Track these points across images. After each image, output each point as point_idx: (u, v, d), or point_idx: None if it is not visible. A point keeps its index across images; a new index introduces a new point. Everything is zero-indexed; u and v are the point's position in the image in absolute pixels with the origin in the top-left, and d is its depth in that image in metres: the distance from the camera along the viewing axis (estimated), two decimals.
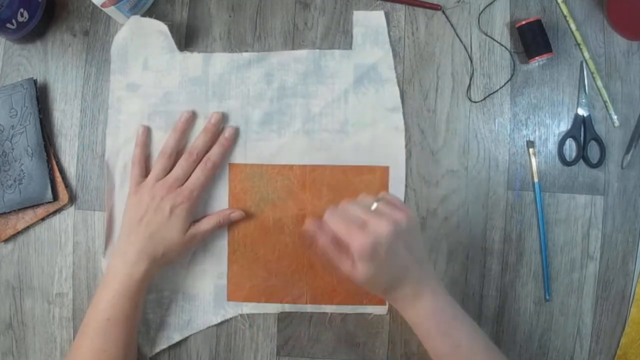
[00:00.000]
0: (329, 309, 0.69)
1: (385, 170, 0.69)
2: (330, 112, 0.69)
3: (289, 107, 0.69)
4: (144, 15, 0.71)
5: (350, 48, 0.70)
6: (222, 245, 0.69)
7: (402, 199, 0.69)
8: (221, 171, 0.69)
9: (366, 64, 0.69)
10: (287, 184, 0.69)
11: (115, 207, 0.69)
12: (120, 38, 0.70)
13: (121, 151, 0.69)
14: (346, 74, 0.69)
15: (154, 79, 0.70)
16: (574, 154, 0.70)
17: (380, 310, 0.68)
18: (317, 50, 0.70)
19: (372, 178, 0.68)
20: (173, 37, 0.69)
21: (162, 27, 0.69)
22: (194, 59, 0.70)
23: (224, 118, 0.69)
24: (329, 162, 0.69)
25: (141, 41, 0.69)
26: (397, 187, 0.69)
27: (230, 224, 0.69)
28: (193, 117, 0.69)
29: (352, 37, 0.70)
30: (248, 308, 0.69)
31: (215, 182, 0.69)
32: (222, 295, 0.69)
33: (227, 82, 0.69)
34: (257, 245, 0.69)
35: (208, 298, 0.69)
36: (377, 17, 0.70)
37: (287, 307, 0.69)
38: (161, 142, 0.68)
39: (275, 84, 0.69)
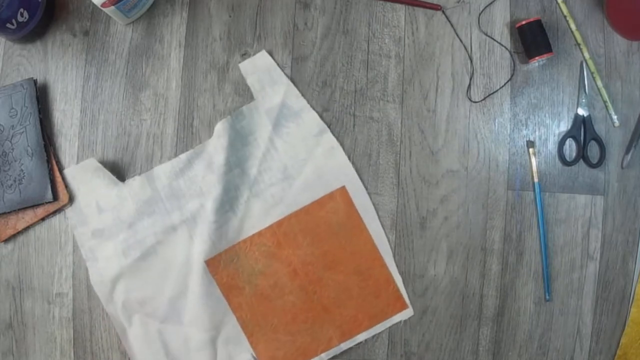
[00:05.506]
0: (362, 337, 0.68)
1: (342, 190, 0.69)
2: (267, 166, 0.69)
3: (230, 182, 0.69)
4: (143, 16, 0.71)
5: (253, 98, 0.70)
6: (237, 334, 0.68)
7: (372, 205, 0.69)
8: (202, 272, 0.68)
9: (275, 105, 0.69)
10: (265, 250, 0.69)
11: (134, 348, 0.68)
12: None
13: (114, 293, 0.68)
14: (263, 124, 0.69)
15: (113, 217, 0.69)
16: (574, 154, 0.70)
17: (407, 313, 0.68)
18: (227, 117, 0.69)
19: (335, 204, 0.69)
20: (109, 171, 0.69)
21: (93, 163, 0.69)
22: (138, 182, 0.69)
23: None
24: (289, 211, 0.69)
25: (85, 188, 0.69)
26: (361, 199, 0.69)
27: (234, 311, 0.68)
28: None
29: (249, 88, 0.70)
30: None
31: (201, 283, 0.67)
32: None
33: (178, 189, 0.69)
34: (268, 317, 0.68)
35: None
36: (261, 59, 0.70)
37: (324, 356, 0.68)
38: (147, 270, 0.68)
39: (214, 168, 0.69)
